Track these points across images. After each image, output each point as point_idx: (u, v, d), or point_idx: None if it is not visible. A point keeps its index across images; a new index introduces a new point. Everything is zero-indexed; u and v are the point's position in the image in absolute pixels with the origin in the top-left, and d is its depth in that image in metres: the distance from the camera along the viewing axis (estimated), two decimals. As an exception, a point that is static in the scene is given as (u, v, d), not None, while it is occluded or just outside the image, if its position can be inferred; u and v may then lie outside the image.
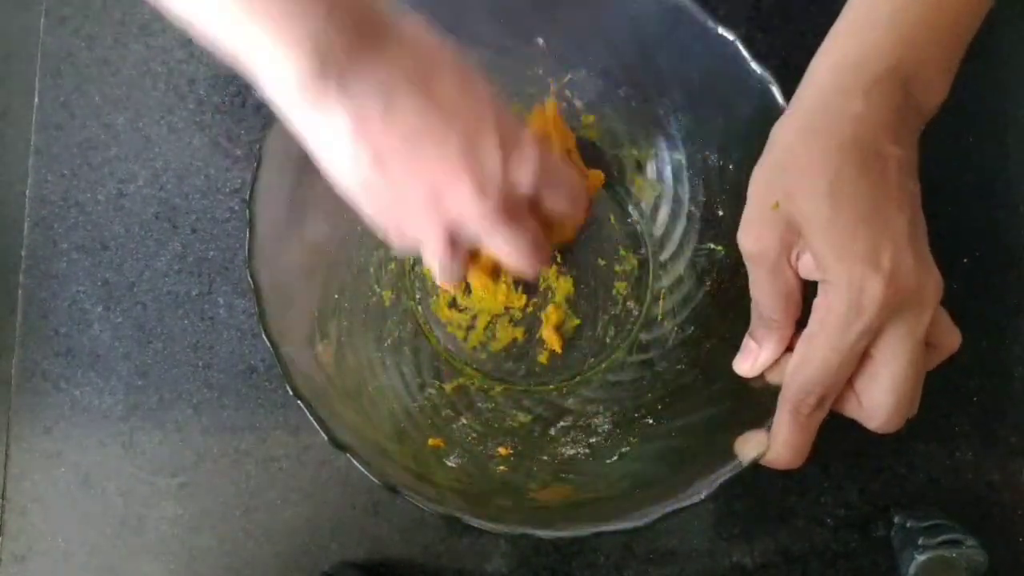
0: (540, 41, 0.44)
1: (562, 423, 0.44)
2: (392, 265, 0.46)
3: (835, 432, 0.47)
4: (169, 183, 0.50)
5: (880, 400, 0.33)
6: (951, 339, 0.35)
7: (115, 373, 0.48)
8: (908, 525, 0.44)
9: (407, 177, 0.32)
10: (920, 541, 0.42)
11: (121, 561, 0.46)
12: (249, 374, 0.48)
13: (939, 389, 0.48)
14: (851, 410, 0.35)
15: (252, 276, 0.37)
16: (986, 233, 0.49)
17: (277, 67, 0.28)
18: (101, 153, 0.50)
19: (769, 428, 0.35)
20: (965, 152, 0.50)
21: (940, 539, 0.42)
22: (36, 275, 0.49)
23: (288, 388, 0.36)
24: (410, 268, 0.47)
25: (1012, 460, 0.47)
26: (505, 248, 0.34)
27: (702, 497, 0.34)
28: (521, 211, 0.34)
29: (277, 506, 0.47)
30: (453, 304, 0.46)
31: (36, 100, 0.50)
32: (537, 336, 0.46)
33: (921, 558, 0.41)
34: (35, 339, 0.48)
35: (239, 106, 0.50)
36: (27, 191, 0.50)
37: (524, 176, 0.33)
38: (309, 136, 0.31)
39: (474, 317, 0.46)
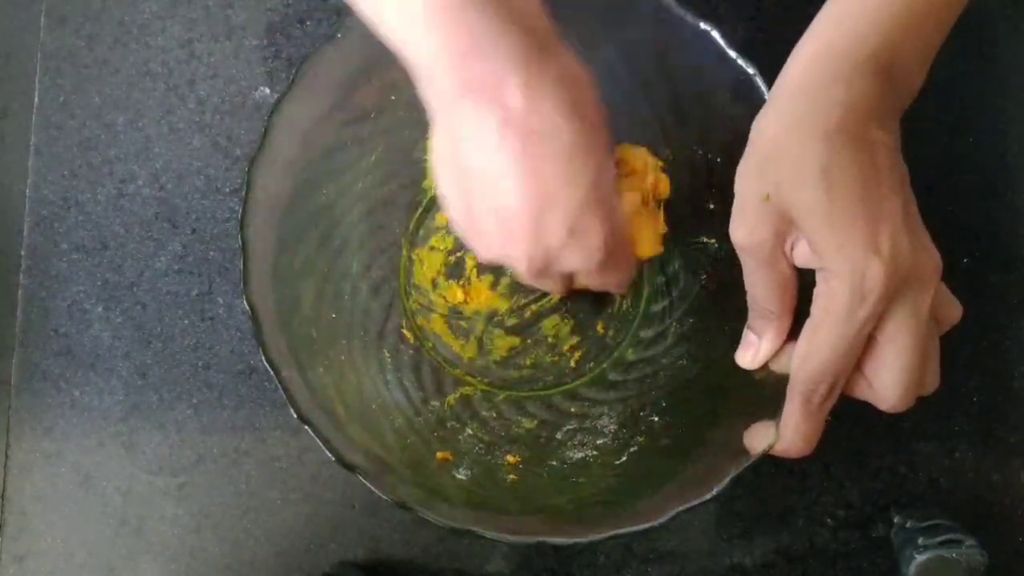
0: None
1: (568, 426, 0.44)
2: (388, 283, 0.46)
3: (836, 432, 0.47)
4: (169, 183, 0.50)
5: (890, 382, 0.33)
6: (952, 312, 0.35)
7: (115, 373, 0.48)
8: (908, 525, 0.44)
9: (488, 195, 0.33)
10: (920, 541, 0.42)
11: (121, 561, 0.46)
12: (249, 374, 0.48)
13: (939, 389, 0.48)
14: (862, 393, 0.35)
15: (249, 302, 0.37)
16: (986, 233, 0.49)
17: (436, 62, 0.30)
18: (101, 153, 0.50)
19: (777, 419, 0.35)
20: (965, 152, 0.50)
21: (940, 539, 0.42)
22: (36, 275, 0.49)
23: (293, 412, 0.36)
24: (404, 284, 0.47)
25: (1012, 460, 0.47)
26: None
27: (715, 492, 0.34)
28: (556, 275, 0.36)
29: (277, 506, 0.47)
30: (449, 317, 0.46)
31: (36, 100, 0.50)
32: (536, 340, 0.46)
33: (921, 558, 0.41)
34: (35, 339, 0.48)
35: (239, 106, 0.50)
36: (27, 191, 0.50)
37: (571, 263, 0.34)
38: (445, 122, 0.32)
39: (470, 330, 0.46)
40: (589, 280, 0.37)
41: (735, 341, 0.38)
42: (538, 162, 0.31)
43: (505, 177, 0.31)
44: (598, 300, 0.47)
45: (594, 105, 0.33)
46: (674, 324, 0.45)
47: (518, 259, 0.33)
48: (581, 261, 0.34)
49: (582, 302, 0.47)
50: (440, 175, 0.34)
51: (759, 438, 0.35)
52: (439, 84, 0.31)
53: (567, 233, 0.32)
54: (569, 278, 0.37)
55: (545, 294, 0.46)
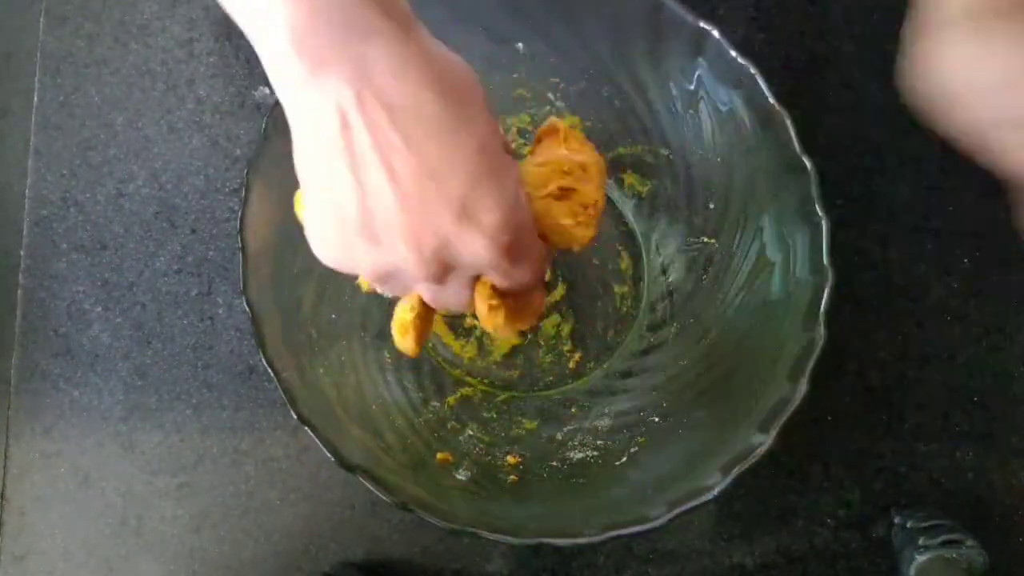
0: (520, 46, 0.44)
1: (568, 427, 0.44)
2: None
3: (836, 432, 0.47)
4: (168, 183, 0.50)
5: None
6: None
7: (114, 373, 0.48)
8: (908, 525, 0.44)
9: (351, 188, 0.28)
10: (920, 541, 0.42)
11: (120, 561, 0.46)
12: (248, 374, 0.48)
13: (939, 389, 0.48)
14: None
15: (249, 302, 0.37)
16: (986, 233, 0.49)
17: (275, 19, 0.26)
18: (100, 153, 0.50)
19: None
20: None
21: (940, 539, 0.42)
22: (35, 275, 0.49)
23: (293, 413, 0.36)
24: None
25: (1012, 460, 0.47)
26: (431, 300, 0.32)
27: (715, 492, 0.34)
28: (457, 276, 0.31)
29: (277, 506, 0.46)
30: (450, 317, 0.46)
31: (36, 100, 0.50)
32: (536, 341, 0.46)
33: (921, 558, 0.41)
34: (34, 339, 0.48)
35: (239, 106, 0.50)
36: (26, 191, 0.50)
37: (470, 250, 0.29)
38: (297, 113, 0.28)
39: (470, 330, 0.46)
40: (498, 275, 0.30)
41: (735, 342, 0.38)
42: (410, 138, 0.27)
43: (371, 163, 0.27)
44: (598, 297, 0.47)
45: (469, 83, 0.29)
46: (675, 324, 0.45)
47: (406, 258, 0.28)
48: (481, 246, 0.28)
49: (583, 302, 0.47)
50: (304, 184, 0.29)
51: None
52: (287, 68, 0.27)
53: (459, 211, 0.28)
54: (471, 281, 0.31)
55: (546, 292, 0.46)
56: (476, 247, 0.28)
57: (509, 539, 0.35)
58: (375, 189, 0.27)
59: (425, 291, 0.31)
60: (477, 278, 0.31)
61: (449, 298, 0.32)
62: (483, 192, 0.28)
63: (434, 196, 0.27)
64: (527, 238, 0.31)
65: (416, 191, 0.27)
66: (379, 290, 0.31)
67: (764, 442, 0.35)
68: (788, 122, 0.38)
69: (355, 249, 0.29)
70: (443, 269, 0.29)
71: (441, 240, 0.28)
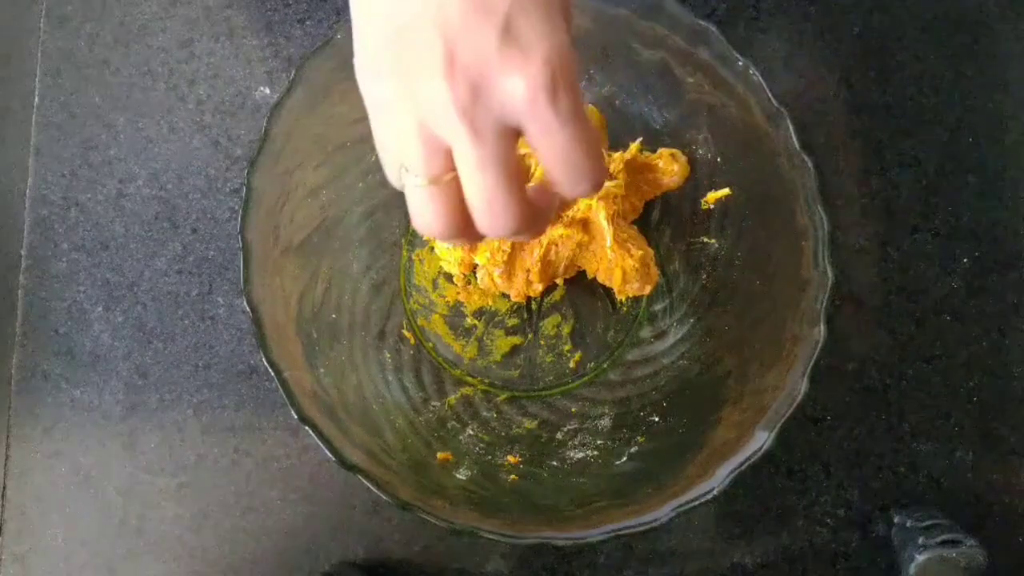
0: None
1: (568, 426, 0.44)
2: (388, 283, 0.46)
3: (836, 432, 0.47)
4: (169, 183, 0.50)
5: None
6: None
7: (115, 373, 0.48)
8: (908, 525, 0.44)
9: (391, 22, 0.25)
10: (920, 541, 0.42)
11: (121, 561, 0.46)
12: (249, 374, 0.48)
13: (939, 389, 0.48)
14: None
15: (249, 302, 0.37)
16: (986, 233, 0.49)
17: None
18: (101, 153, 0.50)
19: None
20: (965, 152, 0.50)
21: (940, 539, 0.42)
22: (36, 275, 0.49)
23: (293, 413, 0.36)
24: (404, 284, 0.47)
25: (1012, 460, 0.47)
26: (473, 171, 0.26)
27: (715, 492, 0.34)
28: (500, 135, 0.26)
29: (277, 506, 0.47)
30: (449, 317, 0.46)
31: (36, 100, 0.50)
32: (536, 341, 0.46)
33: (921, 558, 0.41)
34: (35, 339, 0.48)
35: (239, 106, 0.50)
36: (27, 191, 0.50)
37: (511, 88, 0.25)
38: None
39: (470, 330, 0.46)
40: (533, 120, 0.25)
41: (734, 341, 0.39)
42: None
43: None
44: (598, 297, 0.47)
45: None
46: (674, 324, 0.45)
47: (436, 87, 0.25)
48: (526, 82, 0.24)
49: (583, 302, 0.47)
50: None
51: None
52: None
53: (502, 31, 0.24)
54: (503, 139, 0.26)
55: (547, 293, 0.46)
56: (518, 85, 0.25)
57: (509, 539, 0.35)
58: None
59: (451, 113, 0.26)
60: (513, 146, 0.26)
61: (485, 148, 0.26)
62: (533, 15, 0.25)
63: (470, 12, 0.24)
64: (572, 80, 0.26)
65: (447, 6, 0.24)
66: (395, 138, 0.27)
67: (764, 442, 0.35)
68: (788, 122, 0.38)
69: (386, 55, 0.26)
70: (472, 93, 0.25)
71: (476, 65, 0.25)
